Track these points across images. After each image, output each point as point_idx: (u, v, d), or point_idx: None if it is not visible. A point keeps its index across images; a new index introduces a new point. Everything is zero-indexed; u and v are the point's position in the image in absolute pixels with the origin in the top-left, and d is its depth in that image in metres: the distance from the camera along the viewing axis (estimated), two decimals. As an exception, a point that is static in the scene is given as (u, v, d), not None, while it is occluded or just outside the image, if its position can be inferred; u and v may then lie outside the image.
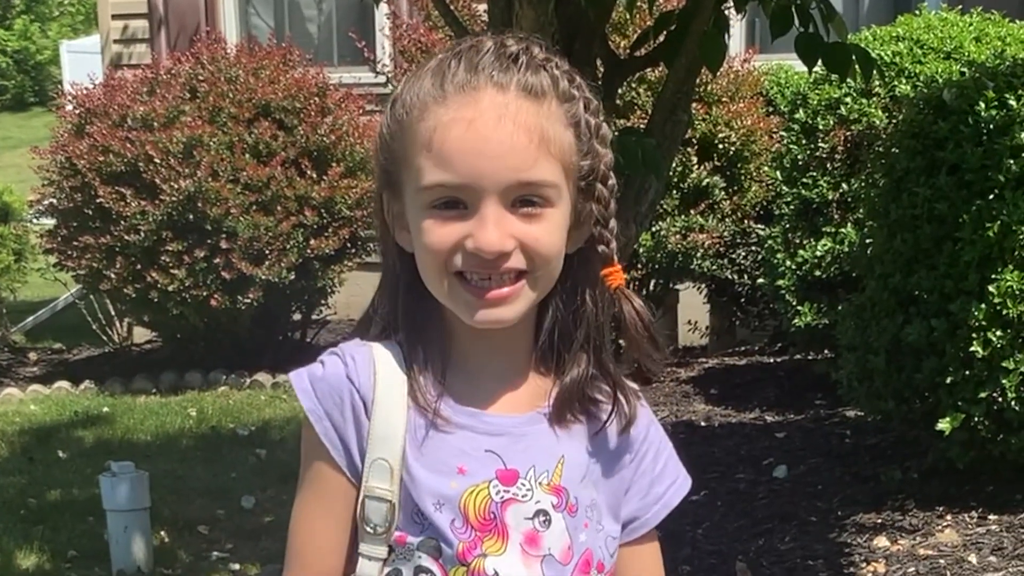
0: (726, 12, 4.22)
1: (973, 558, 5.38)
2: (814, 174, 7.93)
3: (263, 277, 9.52)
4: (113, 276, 9.71)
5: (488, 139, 1.80)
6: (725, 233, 9.55)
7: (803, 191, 7.96)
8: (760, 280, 9.17)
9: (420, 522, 1.89)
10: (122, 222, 9.54)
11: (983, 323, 5.59)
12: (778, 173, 8.27)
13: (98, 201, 9.61)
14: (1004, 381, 5.56)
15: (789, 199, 8.09)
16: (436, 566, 1.88)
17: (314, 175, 9.78)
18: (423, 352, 1.94)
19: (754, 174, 9.58)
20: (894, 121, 7.26)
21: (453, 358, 1.95)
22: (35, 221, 11.84)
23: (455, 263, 1.84)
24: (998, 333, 5.56)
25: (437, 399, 1.91)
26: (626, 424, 1.97)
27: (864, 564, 5.51)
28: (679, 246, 9.26)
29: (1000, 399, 5.61)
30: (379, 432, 1.90)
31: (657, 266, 9.54)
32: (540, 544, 1.89)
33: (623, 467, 1.99)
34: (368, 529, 1.91)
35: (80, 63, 18.94)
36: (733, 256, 9.76)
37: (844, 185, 7.83)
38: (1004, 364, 5.56)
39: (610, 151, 1.94)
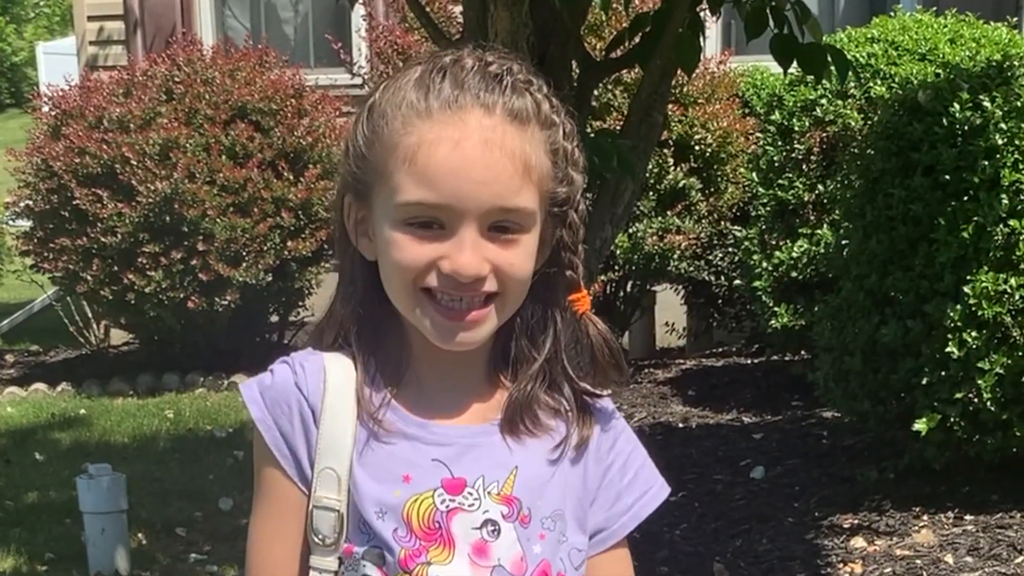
0: (701, 14, 4.24)
1: (949, 558, 5.39)
2: (790, 175, 7.94)
3: (240, 279, 9.50)
4: (90, 278, 9.69)
5: (474, 162, 1.79)
6: (702, 234, 9.56)
7: (779, 192, 7.97)
8: (737, 281, 9.19)
9: (366, 531, 1.89)
10: (99, 224, 9.52)
11: (958, 324, 5.61)
12: (754, 174, 8.28)
13: (74, 203, 9.60)
14: (980, 382, 5.58)
15: (765, 200, 8.10)
16: (379, 574, 1.88)
17: (291, 177, 9.77)
18: (376, 362, 1.94)
19: (730, 175, 9.59)
20: (869, 123, 7.28)
21: (407, 368, 1.95)
22: (11, 223, 11.80)
23: (426, 281, 1.84)
24: (973, 334, 5.58)
25: (385, 409, 1.91)
26: (581, 440, 1.95)
27: (841, 565, 5.53)
28: (656, 247, 9.26)
29: (976, 400, 5.63)
30: (327, 441, 1.90)
31: (634, 267, 9.54)
32: (489, 554, 1.88)
33: (588, 478, 1.97)
34: (317, 540, 1.91)
35: (56, 65, 18.91)
36: (710, 257, 9.76)
37: (820, 186, 7.85)
38: (980, 365, 5.58)
39: (581, 175, 1.94)
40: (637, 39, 4.10)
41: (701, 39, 4.01)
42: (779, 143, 7.99)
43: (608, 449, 1.99)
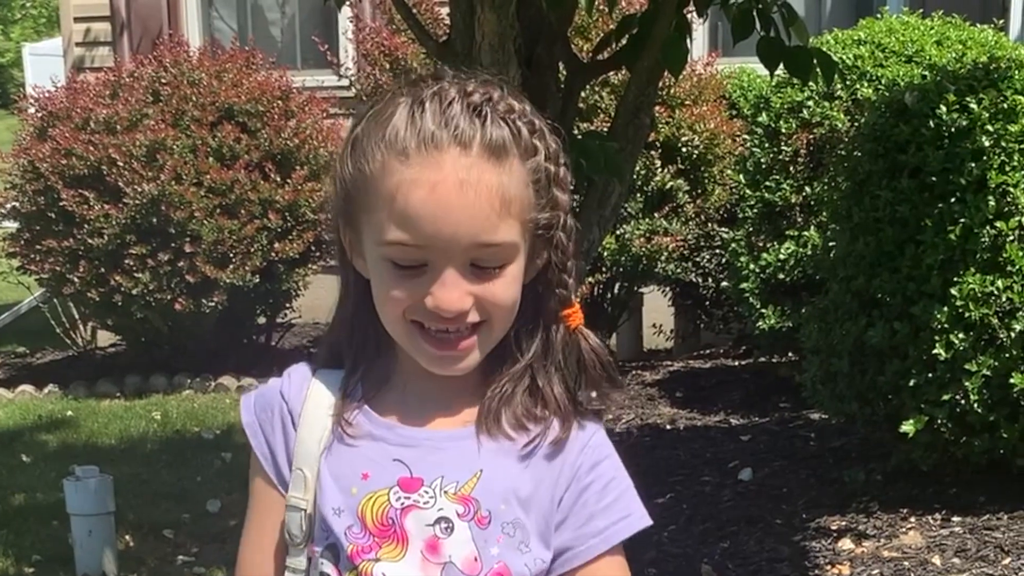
0: (688, 16, 4.24)
1: (937, 560, 5.40)
2: (777, 177, 7.95)
3: (227, 280, 9.50)
4: (77, 280, 9.68)
5: (450, 205, 1.81)
6: (689, 236, 9.56)
7: (766, 194, 7.98)
8: (724, 283, 9.20)
9: (325, 530, 1.94)
10: (85, 225, 9.51)
11: (945, 326, 5.62)
12: (741, 176, 8.29)
13: (61, 204, 9.58)
14: (967, 383, 5.59)
15: (752, 202, 8.10)
16: (334, 571, 1.93)
17: (278, 178, 9.76)
18: (362, 369, 2.00)
19: (717, 177, 9.59)
20: (856, 124, 7.29)
21: (392, 378, 1.99)
22: (-3, 225, 11.78)
23: (413, 314, 1.88)
24: (960, 336, 5.59)
25: (356, 412, 1.96)
26: (554, 441, 1.95)
27: (829, 566, 5.53)
28: (643, 249, 9.26)
29: (963, 401, 5.64)
30: (303, 444, 1.98)
31: (621, 269, 9.55)
32: (440, 551, 1.90)
33: (560, 495, 1.96)
34: (288, 540, 1.99)
35: (42, 66, 18.87)
36: (697, 259, 9.77)
37: (807, 188, 7.85)
38: (967, 367, 5.58)
39: (568, 193, 1.94)
40: (624, 41, 4.11)
41: (688, 41, 4.01)
42: (766, 145, 8.00)
43: (588, 470, 1.98)
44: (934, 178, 5.72)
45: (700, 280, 9.85)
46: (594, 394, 1.99)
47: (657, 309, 10.46)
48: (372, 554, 1.89)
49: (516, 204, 1.85)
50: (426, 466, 1.92)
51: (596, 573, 1.99)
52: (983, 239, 5.59)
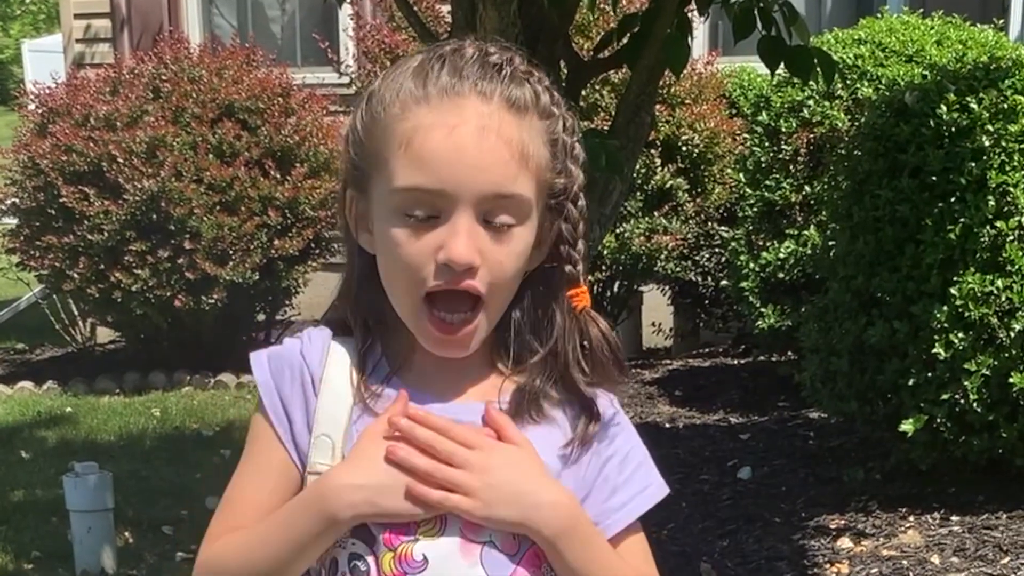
0: (689, 15, 4.24)
1: (936, 559, 5.40)
2: (777, 176, 7.95)
3: (227, 277, 9.49)
4: (76, 276, 9.67)
5: (469, 148, 1.79)
6: (689, 235, 9.57)
7: (766, 193, 7.98)
8: (724, 282, 9.21)
9: None
10: (85, 222, 9.50)
11: (945, 325, 5.62)
12: (741, 175, 8.29)
13: (61, 201, 9.57)
14: (966, 383, 5.59)
15: (752, 201, 8.11)
16: (368, 552, 1.88)
17: (278, 175, 9.75)
18: (376, 344, 1.96)
19: (717, 176, 9.60)
20: (856, 124, 7.29)
21: (406, 354, 1.96)
22: (-3, 221, 11.78)
23: (427, 282, 1.84)
24: (960, 335, 5.59)
25: (384, 386, 1.93)
26: (586, 438, 1.95)
27: (828, 565, 5.53)
28: (643, 248, 9.27)
29: (962, 401, 5.64)
30: (325, 409, 1.92)
31: (621, 268, 9.56)
32: (480, 530, 1.87)
33: (582, 472, 1.96)
34: None
35: (42, 62, 18.84)
36: (697, 258, 9.78)
37: (807, 187, 7.86)
38: (966, 366, 5.59)
39: (582, 172, 1.94)
40: (625, 39, 4.11)
41: (689, 40, 4.02)
42: (766, 144, 8.00)
43: (607, 444, 1.99)
44: (934, 177, 5.72)
45: (700, 279, 9.86)
46: (599, 377, 1.97)
47: (656, 308, 10.47)
48: (411, 535, 1.86)
49: (534, 160, 1.84)
50: None
51: (622, 553, 2.00)
52: (983, 239, 5.59)
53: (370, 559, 1.87)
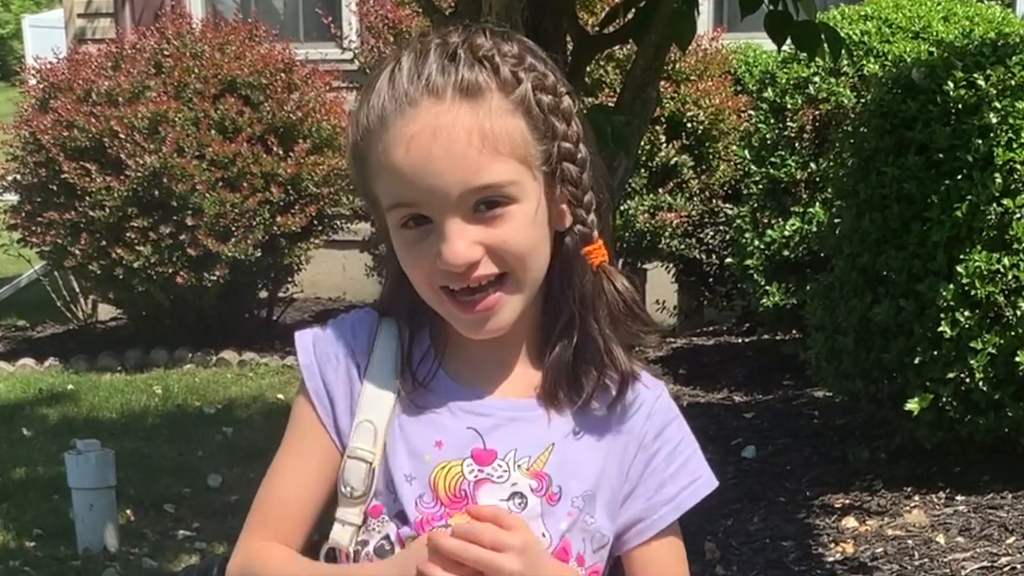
0: (696, -10, 4.20)
1: (941, 538, 5.39)
2: (782, 153, 7.92)
3: (229, 254, 9.47)
4: (78, 252, 9.65)
5: (429, 156, 1.79)
6: (693, 212, 9.54)
7: (771, 170, 7.95)
8: (728, 260, 9.16)
9: (393, 492, 1.90)
10: (87, 198, 9.48)
11: (951, 303, 5.60)
12: (746, 152, 8.26)
13: (63, 177, 9.55)
14: (972, 361, 5.57)
15: (757, 178, 8.08)
16: (396, 537, 1.90)
17: (280, 152, 9.72)
18: (426, 331, 1.97)
19: (722, 153, 9.58)
20: (863, 100, 7.26)
21: (452, 340, 1.96)
22: (-1, 197, 11.75)
23: (437, 280, 1.86)
24: (966, 313, 5.57)
25: (431, 376, 1.94)
26: (612, 403, 1.94)
27: (832, 544, 5.52)
28: (647, 225, 9.25)
29: (968, 380, 5.62)
30: (369, 395, 1.93)
31: (625, 245, 9.53)
32: None
33: (629, 466, 1.96)
34: (345, 491, 1.93)
35: (43, 37, 18.83)
36: (701, 235, 9.75)
37: (812, 165, 7.83)
38: (972, 344, 5.56)
39: (575, 123, 1.90)
40: (631, 14, 4.07)
41: (695, 14, 3.98)
42: (771, 121, 7.97)
43: (655, 437, 1.98)
44: (941, 155, 5.69)
45: (704, 256, 9.83)
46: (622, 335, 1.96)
47: (661, 285, 10.44)
48: (442, 522, 1.86)
49: (503, 140, 1.81)
50: (500, 438, 1.90)
51: (655, 554, 2.00)
52: (990, 216, 5.56)
53: (396, 543, 1.90)
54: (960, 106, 5.69)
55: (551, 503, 1.89)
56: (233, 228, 9.49)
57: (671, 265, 10.23)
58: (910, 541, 5.41)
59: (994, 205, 5.56)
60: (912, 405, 5.73)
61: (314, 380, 1.96)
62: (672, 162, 9.36)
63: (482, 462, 1.89)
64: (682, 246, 9.63)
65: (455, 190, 1.79)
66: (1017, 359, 5.50)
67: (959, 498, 5.81)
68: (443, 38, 1.85)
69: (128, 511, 6.52)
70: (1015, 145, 5.59)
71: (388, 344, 1.96)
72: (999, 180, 5.55)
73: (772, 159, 7.96)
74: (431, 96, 1.80)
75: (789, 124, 7.86)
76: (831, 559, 5.40)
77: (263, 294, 10.80)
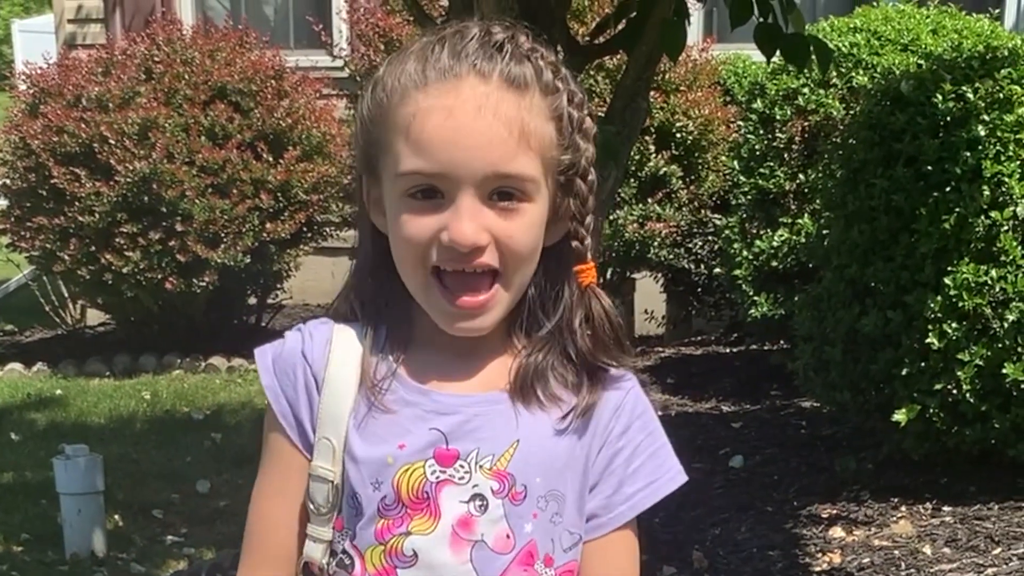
0: (686, 0, 4.22)
1: (927, 549, 5.40)
2: (771, 164, 7.94)
3: (218, 260, 9.47)
4: (67, 257, 9.65)
5: (466, 129, 1.78)
6: (682, 222, 9.56)
7: (760, 181, 7.97)
8: (717, 270, 9.19)
9: (354, 505, 1.90)
10: (76, 203, 9.47)
11: (939, 315, 5.61)
12: (735, 163, 8.28)
13: (52, 182, 9.54)
14: (959, 373, 5.58)
15: (746, 189, 8.10)
16: (353, 549, 1.90)
17: (270, 158, 9.73)
18: (384, 331, 1.95)
19: (711, 164, 9.60)
20: (851, 112, 7.29)
21: (415, 338, 1.95)
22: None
23: (431, 257, 1.83)
24: (954, 325, 5.58)
25: (390, 379, 1.91)
26: (586, 409, 1.93)
27: (820, 554, 5.53)
28: (636, 235, 9.26)
29: (955, 391, 5.63)
30: (327, 411, 1.92)
31: (614, 255, 9.55)
32: (473, 528, 1.87)
33: (593, 461, 1.95)
34: (312, 509, 1.93)
35: (32, 43, 18.77)
36: (690, 245, 9.77)
37: (801, 176, 7.84)
38: (959, 356, 5.57)
39: (591, 146, 1.91)
40: (622, 24, 4.09)
41: (686, 25, 4.00)
42: (760, 132, 7.99)
43: (620, 434, 1.97)
44: (929, 167, 5.70)
45: (692, 266, 9.85)
46: (601, 354, 1.96)
47: (649, 295, 10.46)
48: (403, 527, 1.86)
49: (535, 138, 1.82)
50: (462, 437, 1.88)
51: (608, 547, 1.99)
52: (977, 228, 5.57)
53: (353, 554, 1.91)
54: (948, 118, 5.70)
55: (515, 503, 1.88)
56: (222, 234, 9.49)
57: (660, 275, 10.25)
58: (897, 551, 5.42)
59: (982, 217, 5.58)
60: (899, 416, 5.74)
61: (279, 403, 1.94)
62: (661, 172, 9.37)
63: (444, 463, 1.87)
64: (671, 256, 9.65)
65: (482, 170, 1.78)
66: (1004, 371, 5.51)
67: (946, 509, 5.82)
68: (485, 29, 1.85)
69: (116, 516, 6.51)
70: (1003, 158, 5.61)
71: (345, 349, 1.93)
72: (987, 192, 5.57)
73: (761, 170, 7.98)
74: (477, 75, 1.80)
75: (778, 135, 7.88)
76: (818, 569, 5.41)
77: (252, 300, 10.81)
